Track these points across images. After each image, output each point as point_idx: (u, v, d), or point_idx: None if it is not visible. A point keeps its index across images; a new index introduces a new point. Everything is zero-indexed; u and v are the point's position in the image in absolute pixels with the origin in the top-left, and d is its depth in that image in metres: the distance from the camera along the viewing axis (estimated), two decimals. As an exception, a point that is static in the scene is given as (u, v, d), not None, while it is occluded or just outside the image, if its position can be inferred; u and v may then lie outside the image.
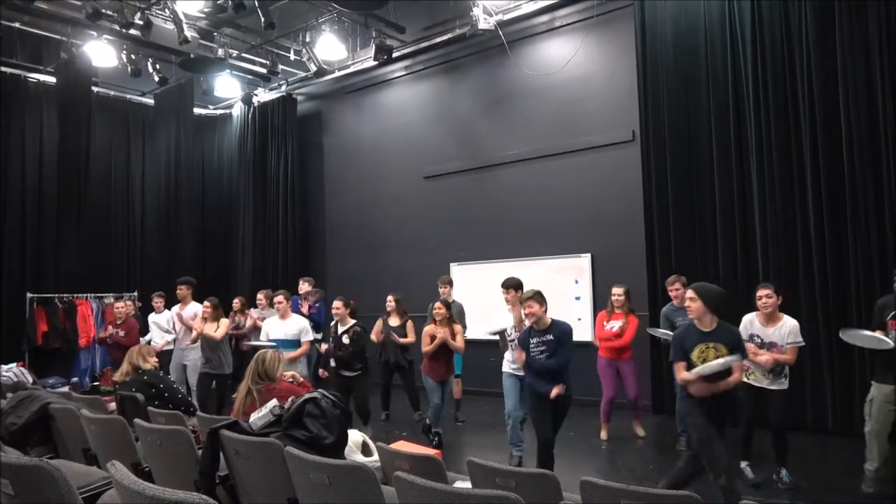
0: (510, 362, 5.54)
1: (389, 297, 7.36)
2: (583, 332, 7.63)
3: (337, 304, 6.43)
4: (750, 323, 4.76)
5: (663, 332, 5.72)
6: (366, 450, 3.63)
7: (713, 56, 7.12)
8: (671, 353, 4.07)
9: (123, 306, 7.93)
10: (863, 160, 6.13)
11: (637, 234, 7.64)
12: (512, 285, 5.64)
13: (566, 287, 8.39)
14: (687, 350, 3.91)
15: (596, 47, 8.39)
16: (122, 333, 7.61)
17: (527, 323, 4.80)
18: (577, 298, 8.31)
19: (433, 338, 6.15)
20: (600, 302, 8.17)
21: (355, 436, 3.62)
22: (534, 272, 7.99)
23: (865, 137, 6.13)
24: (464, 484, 2.65)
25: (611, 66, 8.29)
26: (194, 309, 7.26)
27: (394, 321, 7.24)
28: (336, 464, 2.47)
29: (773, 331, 4.68)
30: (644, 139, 7.57)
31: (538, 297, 4.68)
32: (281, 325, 6.50)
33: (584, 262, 8.33)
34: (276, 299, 6.67)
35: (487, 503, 1.97)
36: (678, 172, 7.29)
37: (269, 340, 6.27)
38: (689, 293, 3.97)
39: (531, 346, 4.69)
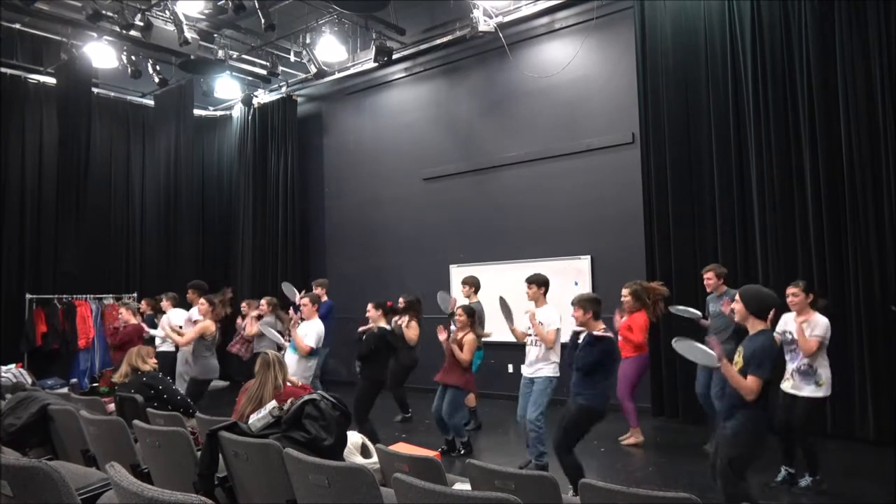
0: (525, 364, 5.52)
1: (401, 299, 7.39)
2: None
3: (369, 307, 6.18)
4: (785, 322, 4.84)
5: (685, 310, 5.76)
6: (365, 451, 3.64)
7: (713, 58, 7.13)
8: None
9: (126, 311, 7.45)
10: (862, 160, 6.13)
11: (637, 235, 7.64)
12: (535, 281, 5.58)
13: (566, 289, 8.38)
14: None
15: (596, 50, 8.40)
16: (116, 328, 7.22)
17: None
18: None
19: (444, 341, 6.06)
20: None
21: (354, 437, 3.62)
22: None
23: (865, 138, 6.13)
24: (463, 486, 2.65)
25: (611, 68, 8.30)
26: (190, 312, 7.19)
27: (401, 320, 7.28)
28: (335, 465, 2.47)
29: (812, 326, 4.69)
30: (644, 141, 7.58)
31: (584, 303, 4.63)
32: (300, 328, 6.33)
33: (583, 263, 8.34)
34: (302, 302, 6.43)
35: (486, 505, 1.96)
36: (678, 174, 7.30)
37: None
38: (737, 296, 3.84)
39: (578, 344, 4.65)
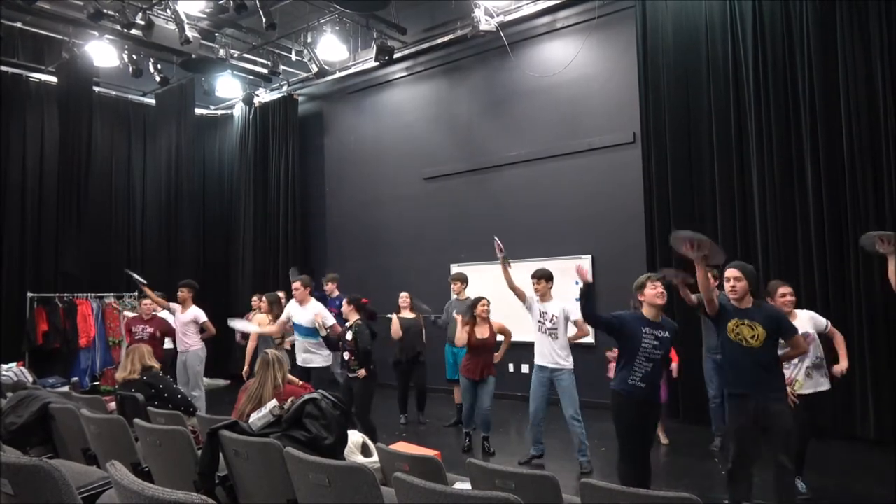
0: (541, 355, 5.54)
1: (404, 294, 7.48)
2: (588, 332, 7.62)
3: (344, 302, 6.22)
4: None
5: None
6: (365, 450, 3.63)
7: (714, 58, 7.12)
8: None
9: (149, 305, 7.31)
10: (863, 160, 6.13)
11: (638, 234, 7.64)
12: (543, 276, 5.57)
13: (566, 288, 8.37)
14: (723, 315, 3.78)
15: (597, 49, 8.39)
16: (149, 329, 7.00)
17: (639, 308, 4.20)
18: (578, 300, 8.29)
19: (469, 335, 5.94)
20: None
21: (355, 436, 3.62)
22: (534, 273, 7.99)
23: (866, 137, 6.13)
24: (463, 485, 2.65)
25: (612, 67, 8.30)
26: (194, 313, 7.21)
27: (407, 316, 7.37)
28: (335, 464, 2.47)
29: (800, 323, 4.53)
30: (645, 141, 7.57)
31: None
32: (300, 312, 6.30)
33: (584, 263, 8.30)
34: (294, 285, 6.44)
35: (487, 504, 1.96)
36: (679, 174, 7.29)
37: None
38: (734, 272, 3.76)
39: (643, 333, 4.01)
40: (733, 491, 3.78)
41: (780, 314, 3.91)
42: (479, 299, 6.11)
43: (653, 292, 4.00)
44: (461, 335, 6.01)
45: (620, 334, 4.08)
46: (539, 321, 5.58)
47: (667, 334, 4.02)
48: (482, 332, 5.94)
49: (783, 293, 4.63)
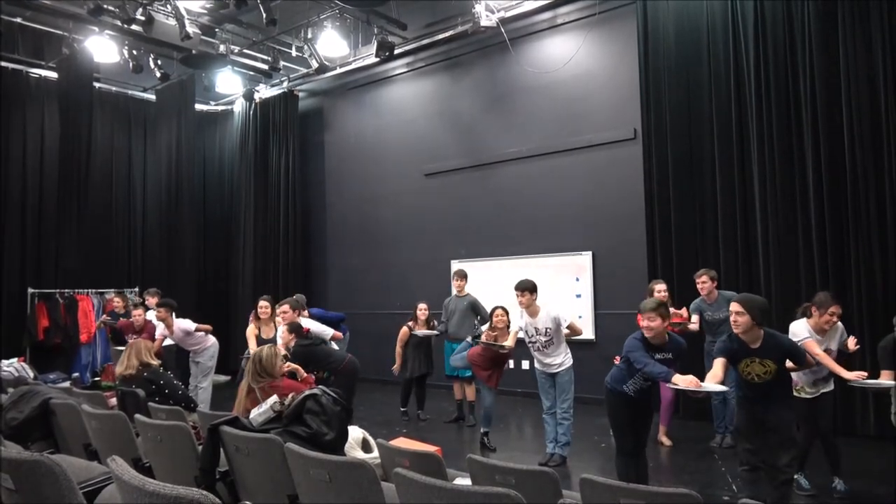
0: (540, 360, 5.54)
1: (423, 306, 7.36)
2: (584, 331, 7.62)
3: (283, 330, 5.87)
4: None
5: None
6: (366, 446, 3.64)
7: (715, 54, 7.11)
8: (714, 351, 3.97)
9: (140, 314, 7.11)
10: (865, 160, 6.12)
11: (638, 232, 7.64)
12: (526, 287, 5.34)
13: (567, 284, 8.40)
14: (732, 360, 3.84)
15: (598, 45, 8.38)
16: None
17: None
18: (578, 296, 8.32)
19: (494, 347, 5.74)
20: (601, 299, 8.20)
21: (355, 432, 3.63)
22: (534, 270, 8.00)
23: (867, 137, 6.11)
24: (464, 481, 2.66)
25: (613, 63, 8.28)
26: (182, 326, 7.01)
27: (420, 330, 7.24)
28: (336, 460, 2.47)
29: (833, 335, 4.58)
30: (646, 137, 7.56)
31: (661, 309, 3.97)
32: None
33: (584, 259, 8.33)
34: (280, 309, 6.24)
35: (487, 500, 1.97)
36: (680, 171, 7.28)
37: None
38: (736, 307, 3.76)
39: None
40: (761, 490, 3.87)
41: (792, 347, 3.92)
42: (493, 310, 5.99)
43: (643, 324, 3.94)
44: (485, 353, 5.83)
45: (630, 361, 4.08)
46: (530, 342, 5.46)
47: (669, 356, 3.97)
48: (504, 343, 5.74)
49: (833, 311, 4.48)
